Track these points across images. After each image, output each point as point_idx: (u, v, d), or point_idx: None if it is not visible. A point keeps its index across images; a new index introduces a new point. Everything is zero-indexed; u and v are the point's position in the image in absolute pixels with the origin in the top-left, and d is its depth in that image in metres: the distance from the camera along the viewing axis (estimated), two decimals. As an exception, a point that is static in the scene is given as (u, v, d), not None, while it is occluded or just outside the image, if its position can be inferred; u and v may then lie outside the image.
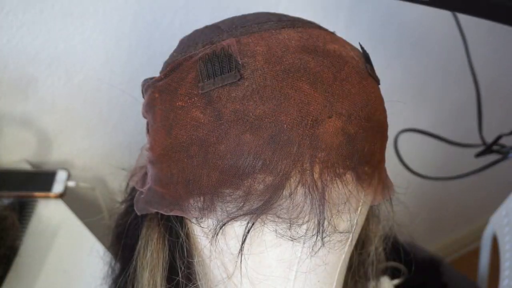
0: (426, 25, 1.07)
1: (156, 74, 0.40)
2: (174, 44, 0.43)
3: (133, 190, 0.46)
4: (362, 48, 0.41)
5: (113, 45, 0.74)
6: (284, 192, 0.35)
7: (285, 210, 0.35)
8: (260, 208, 0.35)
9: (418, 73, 1.15)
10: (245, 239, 0.37)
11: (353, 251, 0.42)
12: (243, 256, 0.38)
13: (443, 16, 1.06)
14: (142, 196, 0.41)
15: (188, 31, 0.43)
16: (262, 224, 0.36)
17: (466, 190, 1.54)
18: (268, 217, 0.36)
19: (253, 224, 0.36)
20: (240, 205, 0.35)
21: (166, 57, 0.43)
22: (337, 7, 0.88)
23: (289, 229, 0.36)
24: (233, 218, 0.36)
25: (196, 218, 0.38)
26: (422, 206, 1.37)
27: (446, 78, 1.22)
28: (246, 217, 0.36)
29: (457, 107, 1.31)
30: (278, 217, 0.35)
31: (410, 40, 1.07)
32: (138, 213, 0.42)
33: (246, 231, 0.37)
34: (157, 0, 0.74)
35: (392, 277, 0.71)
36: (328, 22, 0.45)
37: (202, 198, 0.36)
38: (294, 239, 0.37)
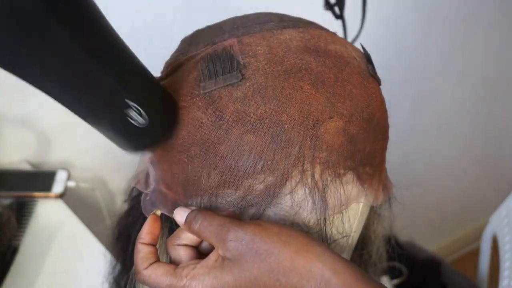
0: (427, 25, 1.07)
1: (157, 74, 0.40)
2: (174, 44, 0.43)
3: (134, 190, 0.46)
4: (363, 48, 0.41)
5: (113, 45, 0.74)
6: (284, 192, 0.34)
7: (284, 210, 0.35)
8: (261, 208, 0.35)
9: (419, 73, 1.15)
10: None
11: (353, 252, 0.42)
12: None
13: (443, 16, 1.06)
14: (148, 198, 0.41)
15: (188, 31, 0.43)
16: None
17: (466, 190, 1.54)
18: (268, 218, 0.35)
19: None
20: (241, 204, 0.35)
21: (166, 57, 0.42)
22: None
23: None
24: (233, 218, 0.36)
25: None
26: (422, 206, 1.37)
27: (446, 78, 1.22)
28: (246, 217, 0.36)
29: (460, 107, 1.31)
30: (279, 217, 0.35)
31: (410, 39, 1.07)
32: (146, 215, 0.41)
33: None
34: (157, 0, 0.73)
35: (392, 277, 0.71)
36: (329, 22, 0.45)
37: (203, 199, 0.36)
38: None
